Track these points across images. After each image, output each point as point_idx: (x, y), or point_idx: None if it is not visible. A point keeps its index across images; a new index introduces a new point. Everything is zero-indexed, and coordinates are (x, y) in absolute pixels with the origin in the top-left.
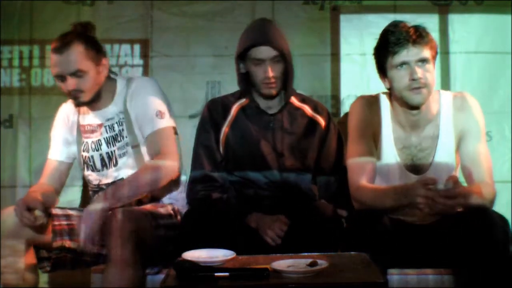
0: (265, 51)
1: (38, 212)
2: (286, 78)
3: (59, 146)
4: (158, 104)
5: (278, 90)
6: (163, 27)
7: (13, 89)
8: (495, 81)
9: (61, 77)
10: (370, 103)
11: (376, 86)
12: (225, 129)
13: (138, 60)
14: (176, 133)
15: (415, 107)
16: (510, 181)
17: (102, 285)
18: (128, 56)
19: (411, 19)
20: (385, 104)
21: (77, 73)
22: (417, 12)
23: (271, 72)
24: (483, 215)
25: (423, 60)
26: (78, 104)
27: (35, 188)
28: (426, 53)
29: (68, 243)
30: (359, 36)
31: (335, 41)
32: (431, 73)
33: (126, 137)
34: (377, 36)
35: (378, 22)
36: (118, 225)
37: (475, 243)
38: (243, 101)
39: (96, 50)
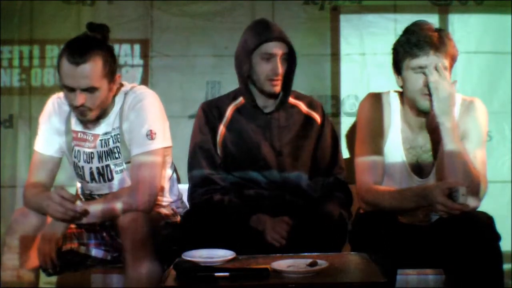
0: (277, 47)
1: (78, 202)
2: (288, 77)
3: (50, 139)
4: (151, 122)
5: (280, 88)
6: (163, 27)
7: (13, 89)
8: (495, 81)
9: (71, 89)
10: (380, 101)
11: (376, 86)
12: (221, 130)
13: (138, 60)
14: (170, 153)
15: (424, 112)
16: (510, 181)
17: (124, 285)
18: (128, 56)
19: (411, 19)
20: (395, 102)
21: (89, 89)
22: (417, 12)
23: (281, 68)
24: (468, 216)
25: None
26: (82, 121)
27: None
28: (445, 61)
29: (76, 247)
30: (359, 36)
31: (335, 41)
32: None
33: (121, 153)
34: (377, 36)
35: (378, 22)
36: (139, 227)
37: (463, 243)
38: (238, 101)
39: (113, 66)
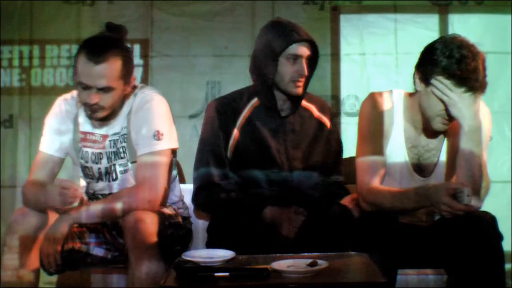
0: (304, 48)
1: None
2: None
3: (53, 140)
4: (158, 123)
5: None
6: (163, 27)
7: (13, 89)
8: (495, 81)
9: (85, 87)
10: (382, 100)
11: (376, 86)
12: (235, 133)
13: (138, 60)
14: (174, 155)
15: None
16: (510, 181)
17: (127, 284)
18: None
19: (411, 19)
20: (398, 102)
21: (105, 89)
22: (417, 12)
23: (306, 70)
24: (471, 215)
25: None
26: (92, 117)
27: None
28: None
29: (78, 246)
30: (359, 36)
31: (335, 41)
32: None
33: (127, 153)
34: (377, 36)
35: (378, 22)
36: (143, 227)
37: (466, 242)
38: (254, 102)
39: (130, 67)
